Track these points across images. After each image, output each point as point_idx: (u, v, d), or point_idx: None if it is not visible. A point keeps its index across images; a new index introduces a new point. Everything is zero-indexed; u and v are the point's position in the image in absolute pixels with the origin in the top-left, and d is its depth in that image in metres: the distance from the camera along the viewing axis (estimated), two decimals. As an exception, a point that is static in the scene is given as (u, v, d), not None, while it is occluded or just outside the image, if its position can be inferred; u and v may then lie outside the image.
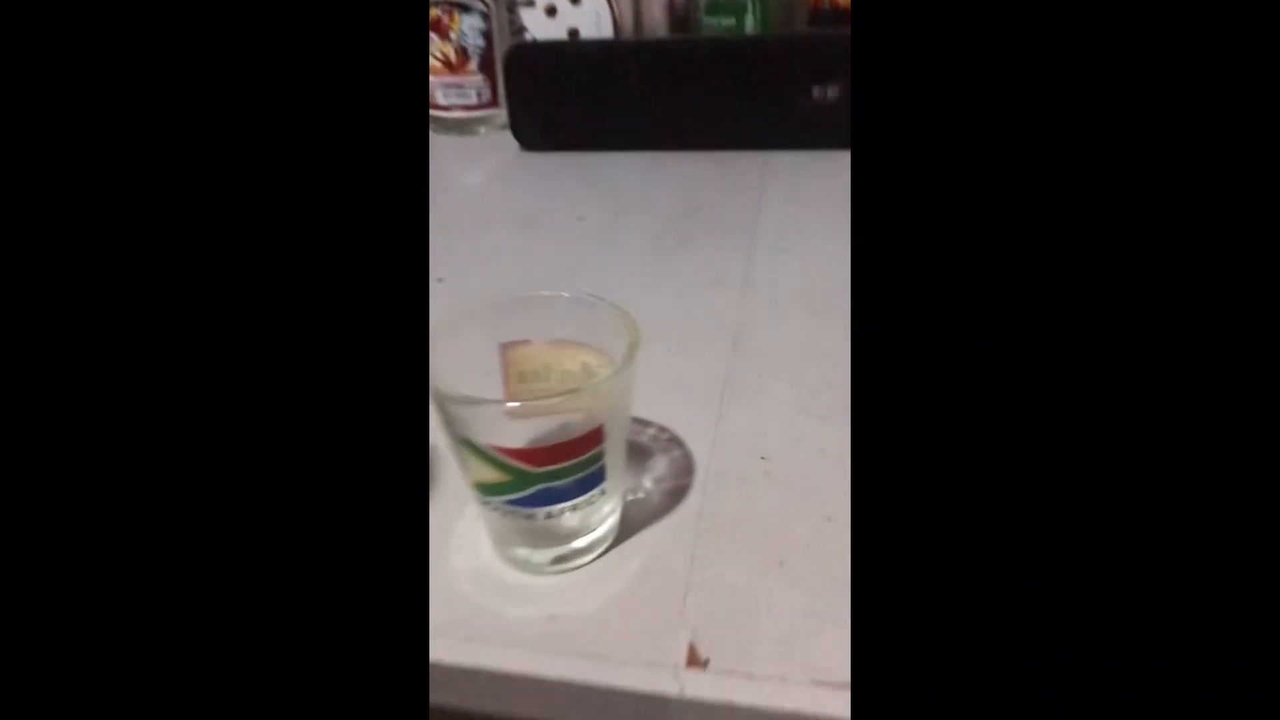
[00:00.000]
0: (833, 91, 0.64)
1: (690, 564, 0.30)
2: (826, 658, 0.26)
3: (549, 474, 0.27)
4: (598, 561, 0.31)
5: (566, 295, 0.31)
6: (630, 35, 0.79)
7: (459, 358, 0.28)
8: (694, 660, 0.27)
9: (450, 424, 0.27)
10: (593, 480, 0.28)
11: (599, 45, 0.74)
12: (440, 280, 0.51)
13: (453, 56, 0.74)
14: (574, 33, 0.78)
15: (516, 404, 0.27)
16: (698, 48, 0.68)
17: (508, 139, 0.72)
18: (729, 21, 0.75)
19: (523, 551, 0.30)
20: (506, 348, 0.31)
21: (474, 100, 0.76)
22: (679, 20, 0.81)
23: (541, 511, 0.28)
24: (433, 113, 0.77)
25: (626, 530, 0.32)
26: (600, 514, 0.30)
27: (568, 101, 0.69)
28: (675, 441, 0.36)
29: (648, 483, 0.34)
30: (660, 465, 0.35)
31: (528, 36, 0.79)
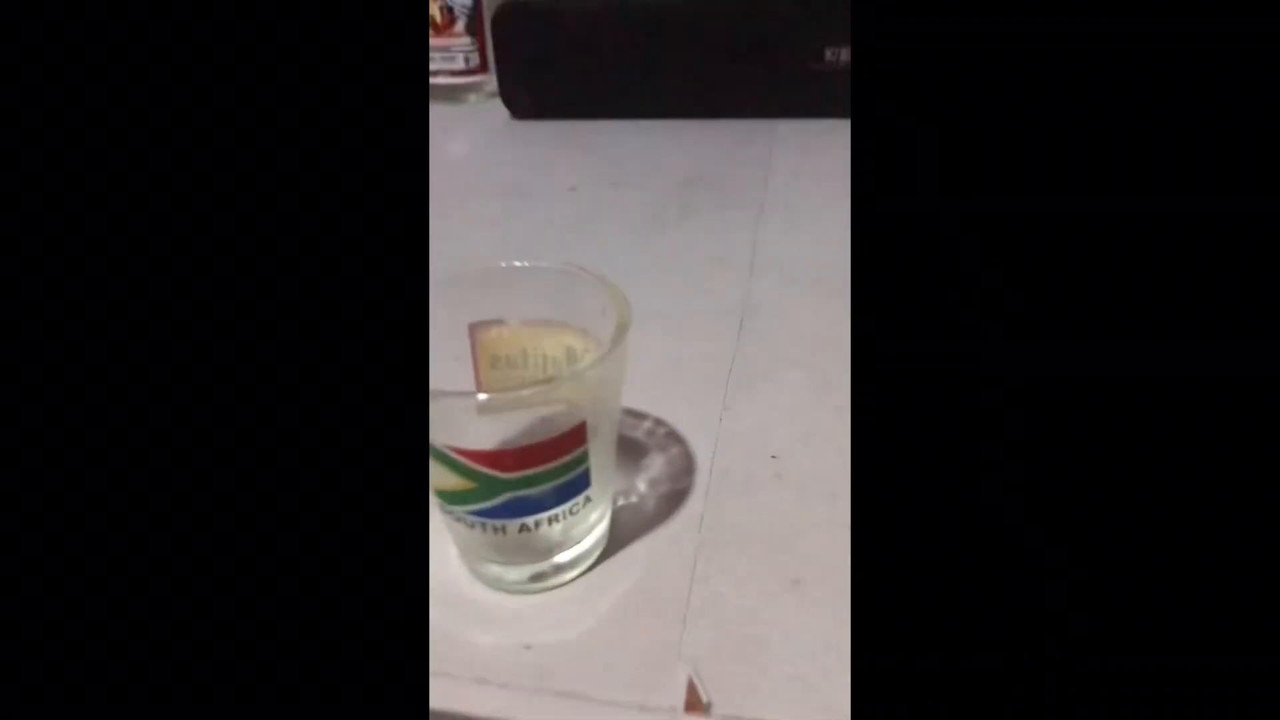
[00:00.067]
0: (846, 55, 0.62)
1: (690, 583, 0.27)
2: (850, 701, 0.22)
3: (522, 480, 0.23)
4: (582, 579, 0.27)
5: (546, 266, 0.27)
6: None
7: (417, 340, 0.24)
8: (694, 704, 0.23)
9: (404, 419, 0.23)
10: (575, 487, 0.24)
11: (595, 4, 0.70)
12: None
13: (438, 17, 0.70)
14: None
15: (484, 396, 0.22)
16: (701, 6, 0.64)
17: (497, 108, 0.70)
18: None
19: (494, 568, 0.26)
20: (476, 328, 0.27)
21: (461, 65, 0.72)
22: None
23: (514, 524, 0.24)
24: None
25: (616, 542, 0.28)
26: (585, 524, 0.26)
27: (561, 65, 0.66)
28: (673, 438, 0.33)
29: (641, 486, 0.31)
30: (656, 465, 0.32)
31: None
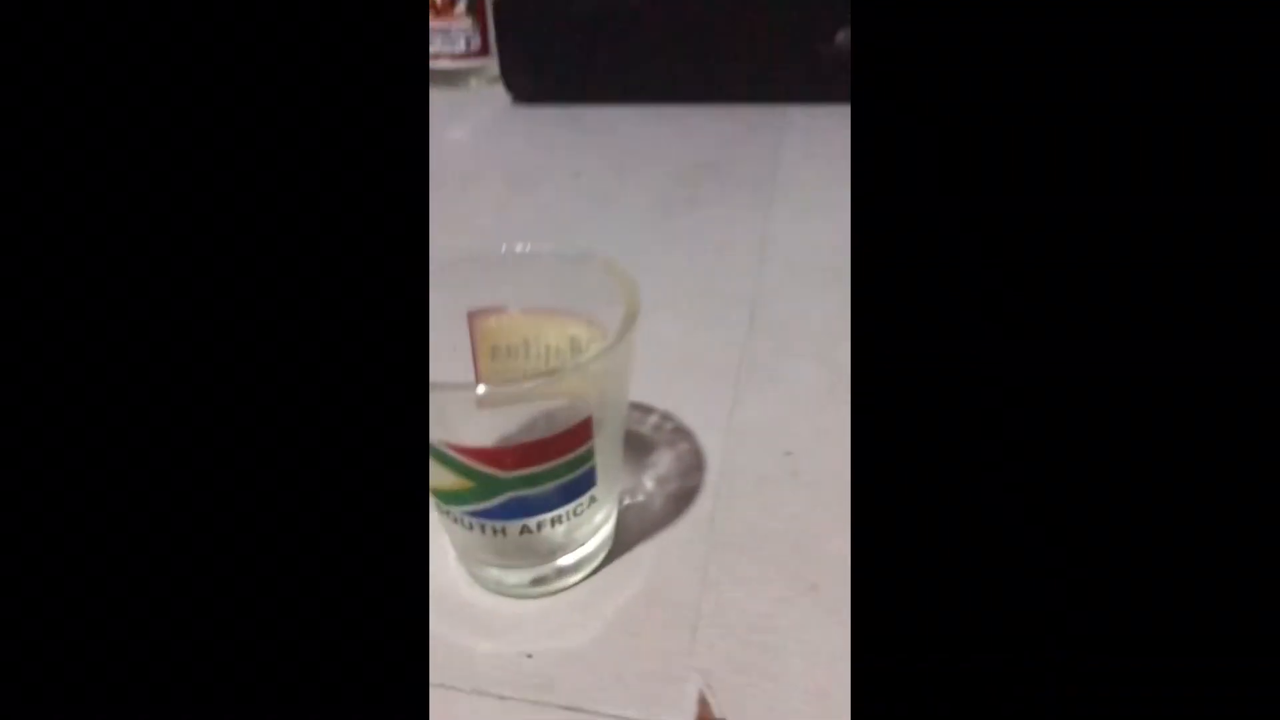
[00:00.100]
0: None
1: (701, 587, 0.26)
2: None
3: (523, 479, 0.22)
4: (586, 583, 0.26)
5: (550, 251, 0.25)
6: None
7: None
8: (705, 718, 0.22)
9: (397, 414, 0.21)
10: (580, 486, 0.23)
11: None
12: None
13: (439, -2, 0.69)
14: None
15: (483, 389, 0.21)
16: (709, -13, 0.63)
17: (499, 92, 0.69)
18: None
19: (494, 571, 0.25)
20: (476, 317, 0.26)
21: (463, 48, 0.71)
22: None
23: (515, 525, 0.23)
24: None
25: (623, 543, 0.27)
26: (590, 525, 0.25)
27: (565, 47, 0.65)
28: (682, 433, 0.32)
29: (648, 484, 0.30)
30: (664, 462, 0.31)
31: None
